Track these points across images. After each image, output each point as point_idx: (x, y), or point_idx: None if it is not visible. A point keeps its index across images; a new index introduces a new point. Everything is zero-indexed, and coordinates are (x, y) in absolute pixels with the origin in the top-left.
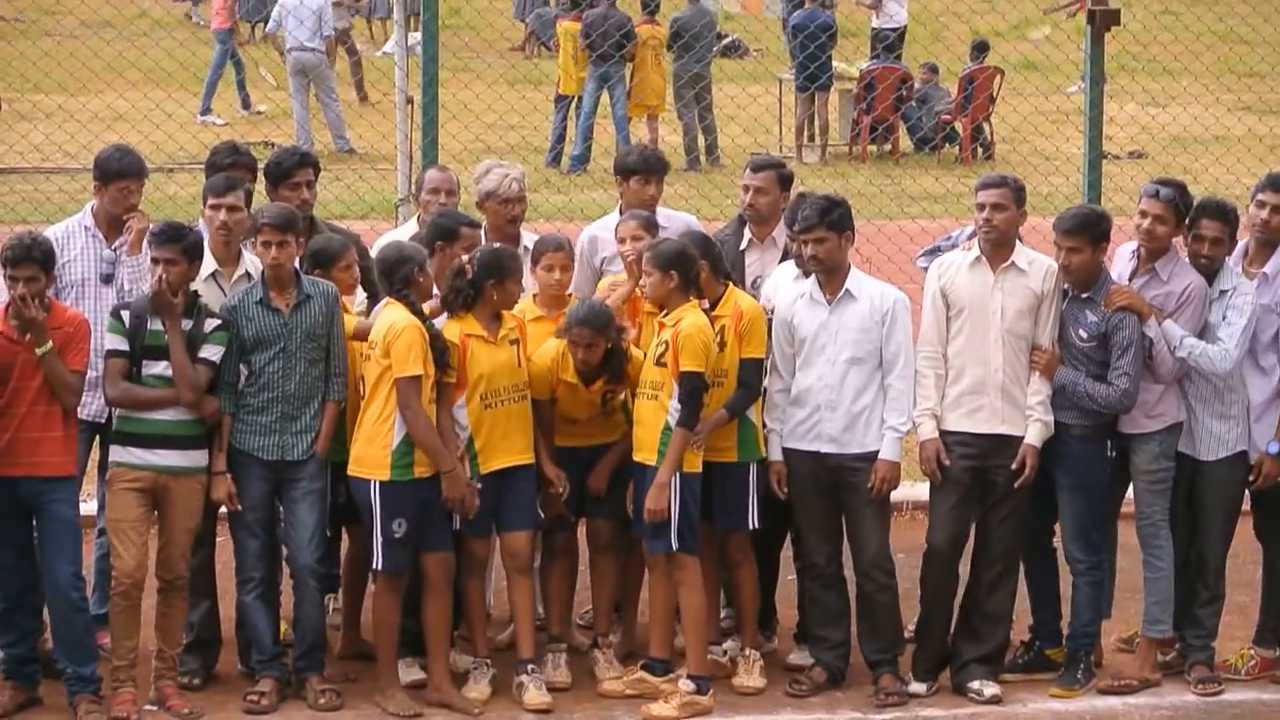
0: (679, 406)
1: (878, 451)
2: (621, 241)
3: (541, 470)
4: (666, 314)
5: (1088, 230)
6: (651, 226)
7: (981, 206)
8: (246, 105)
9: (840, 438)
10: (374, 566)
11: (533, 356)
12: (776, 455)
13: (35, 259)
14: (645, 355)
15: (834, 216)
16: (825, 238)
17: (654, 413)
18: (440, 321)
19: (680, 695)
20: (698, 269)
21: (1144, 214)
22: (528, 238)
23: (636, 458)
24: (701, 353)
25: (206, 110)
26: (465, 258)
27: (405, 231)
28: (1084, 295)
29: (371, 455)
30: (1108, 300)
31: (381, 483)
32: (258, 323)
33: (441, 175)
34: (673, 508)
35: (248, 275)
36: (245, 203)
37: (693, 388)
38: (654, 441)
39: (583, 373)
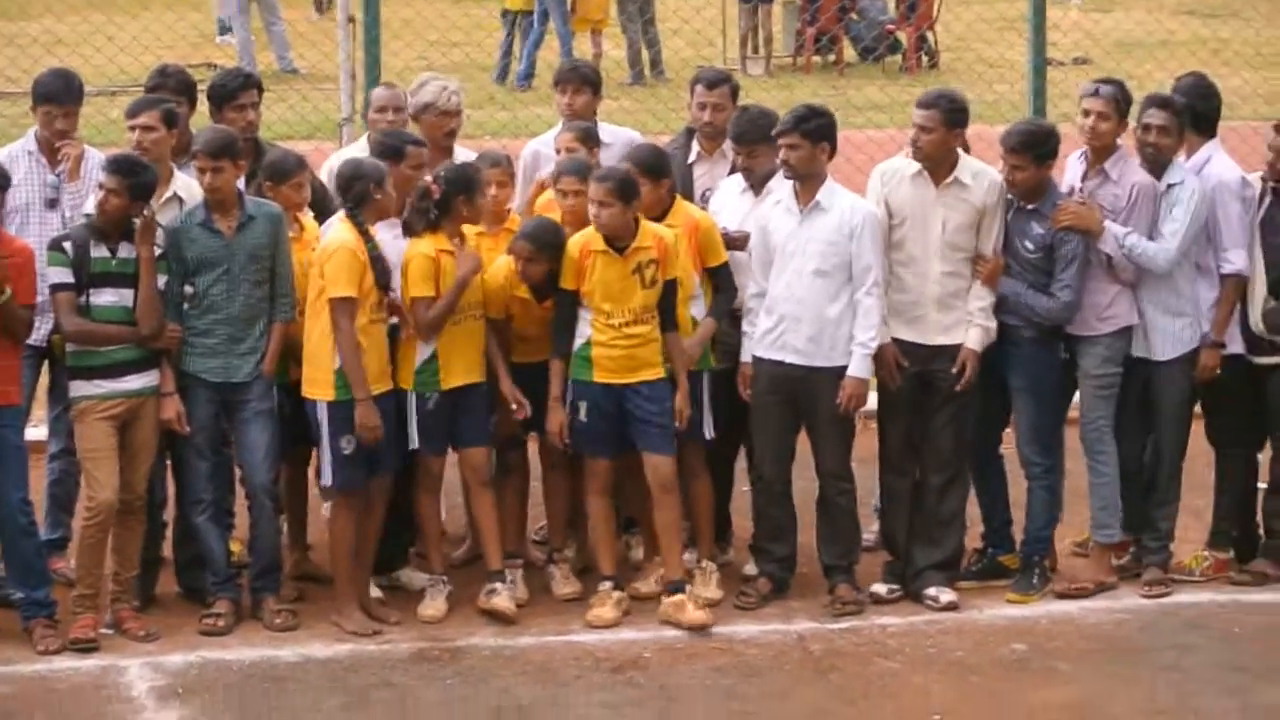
0: (663, 313)
1: (842, 366)
2: (558, 152)
3: (498, 390)
4: (625, 244)
5: (1031, 149)
6: (590, 138)
7: (914, 125)
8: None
9: (805, 349)
10: (323, 484)
11: (485, 276)
12: (746, 358)
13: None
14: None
15: (810, 125)
16: (798, 145)
17: (653, 330)
18: (388, 241)
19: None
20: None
21: (1086, 113)
22: (461, 153)
23: (637, 378)
24: (682, 259)
25: (225, 31)
26: (429, 178)
27: (354, 150)
28: (1030, 207)
29: (317, 376)
30: (1055, 217)
31: (328, 403)
32: (200, 244)
33: (389, 93)
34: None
35: (177, 198)
36: (174, 124)
37: (673, 293)
38: (656, 354)
39: (535, 289)
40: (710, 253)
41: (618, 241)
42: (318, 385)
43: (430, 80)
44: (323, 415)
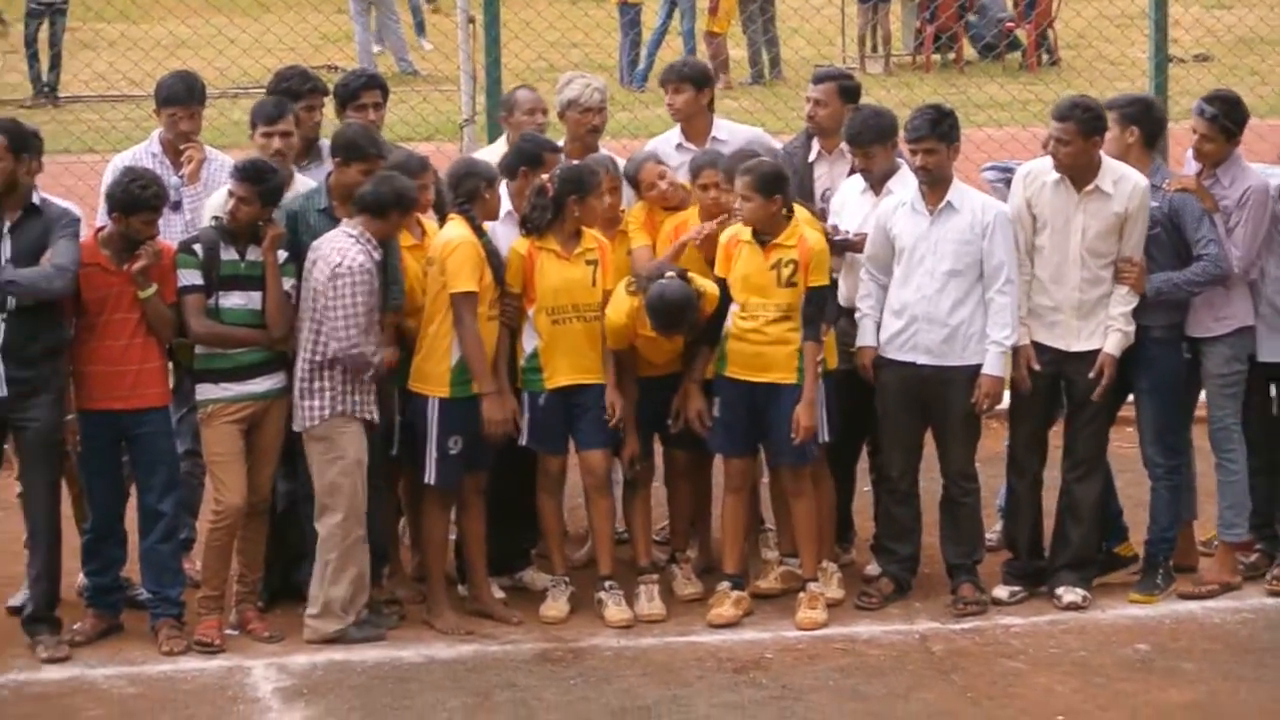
0: (806, 322)
1: (974, 365)
2: (650, 187)
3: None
4: (770, 238)
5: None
6: (661, 160)
7: (1051, 137)
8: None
9: (937, 349)
10: (426, 481)
11: (608, 311)
12: (867, 340)
13: (159, 203)
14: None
15: (944, 127)
16: (935, 149)
17: (790, 332)
18: (501, 236)
19: (811, 595)
20: (790, 185)
21: (1195, 130)
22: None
23: (765, 378)
24: (827, 266)
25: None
26: (545, 176)
27: (496, 150)
28: None
29: (431, 371)
30: (1171, 183)
31: (440, 399)
32: (316, 230)
33: (533, 95)
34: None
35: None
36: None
37: (822, 301)
38: (791, 360)
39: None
40: (812, 275)
41: (762, 234)
42: (430, 381)
43: (575, 78)
44: (433, 412)
